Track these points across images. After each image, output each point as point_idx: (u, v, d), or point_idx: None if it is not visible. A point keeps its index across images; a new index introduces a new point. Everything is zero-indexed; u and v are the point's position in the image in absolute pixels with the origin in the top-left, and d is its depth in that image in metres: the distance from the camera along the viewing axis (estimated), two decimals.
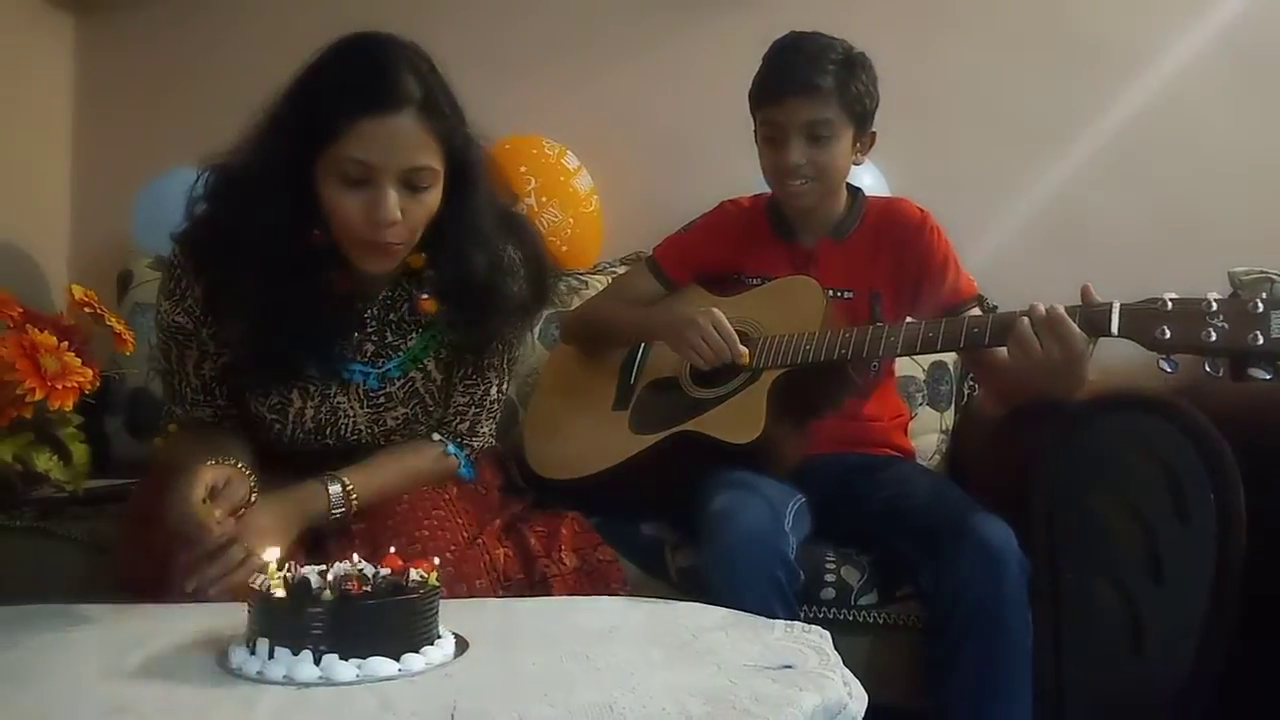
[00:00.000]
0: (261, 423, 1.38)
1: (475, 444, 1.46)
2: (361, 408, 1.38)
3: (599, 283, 2.02)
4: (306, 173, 1.21)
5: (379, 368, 1.37)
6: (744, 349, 1.52)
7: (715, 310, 1.55)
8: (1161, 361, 1.25)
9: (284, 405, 1.36)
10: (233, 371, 1.35)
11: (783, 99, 1.58)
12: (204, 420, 1.37)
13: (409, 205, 1.22)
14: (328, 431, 1.38)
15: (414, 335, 1.39)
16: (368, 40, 1.23)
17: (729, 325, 1.53)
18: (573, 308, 1.94)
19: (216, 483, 1.18)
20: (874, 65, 1.63)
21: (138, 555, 1.27)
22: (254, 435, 1.39)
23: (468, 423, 1.45)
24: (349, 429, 1.39)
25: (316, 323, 1.29)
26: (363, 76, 1.19)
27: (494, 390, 1.46)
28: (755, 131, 1.66)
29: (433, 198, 1.24)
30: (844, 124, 1.58)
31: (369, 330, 1.37)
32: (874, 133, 1.65)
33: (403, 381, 1.39)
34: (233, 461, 1.23)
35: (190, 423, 1.37)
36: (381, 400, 1.39)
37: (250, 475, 1.24)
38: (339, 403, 1.37)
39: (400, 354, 1.38)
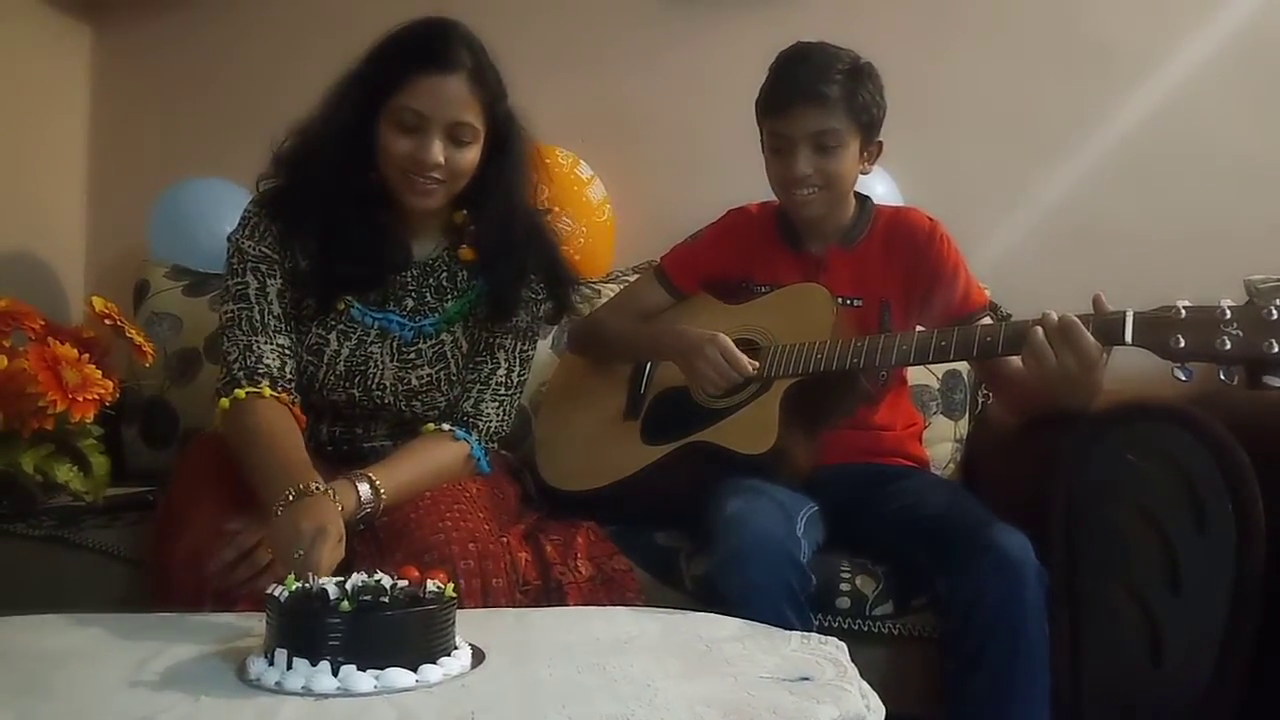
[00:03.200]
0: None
1: (480, 425, 1.50)
2: (391, 361, 1.49)
3: (611, 291, 2.02)
4: (370, 124, 1.40)
5: (415, 322, 1.50)
6: (752, 365, 1.52)
7: (721, 336, 1.54)
8: (1176, 370, 1.25)
9: (321, 346, 1.47)
10: (296, 295, 1.46)
11: (789, 109, 1.58)
12: (272, 371, 1.40)
13: (450, 154, 1.40)
14: (356, 380, 1.48)
15: (451, 299, 1.52)
16: (432, 18, 1.43)
17: (735, 350, 1.52)
18: (582, 316, 1.94)
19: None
20: (885, 72, 1.63)
21: (178, 547, 1.28)
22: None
23: (472, 400, 1.51)
24: (375, 380, 1.49)
25: (372, 245, 1.46)
26: (424, 41, 1.40)
27: (501, 372, 1.53)
28: (762, 142, 1.66)
29: (472, 153, 1.43)
30: (851, 133, 1.58)
31: (410, 287, 1.50)
32: (880, 142, 1.65)
33: (433, 342, 1.51)
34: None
35: (259, 375, 1.39)
36: (411, 356, 1.50)
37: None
38: (371, 352, 1.48)
39: (436, 314, 1.51)
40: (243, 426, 1.35)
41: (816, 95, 1.55)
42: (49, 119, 2.48)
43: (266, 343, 1.41)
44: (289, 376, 1.42)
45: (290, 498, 1.20)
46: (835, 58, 1.59)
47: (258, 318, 1.42)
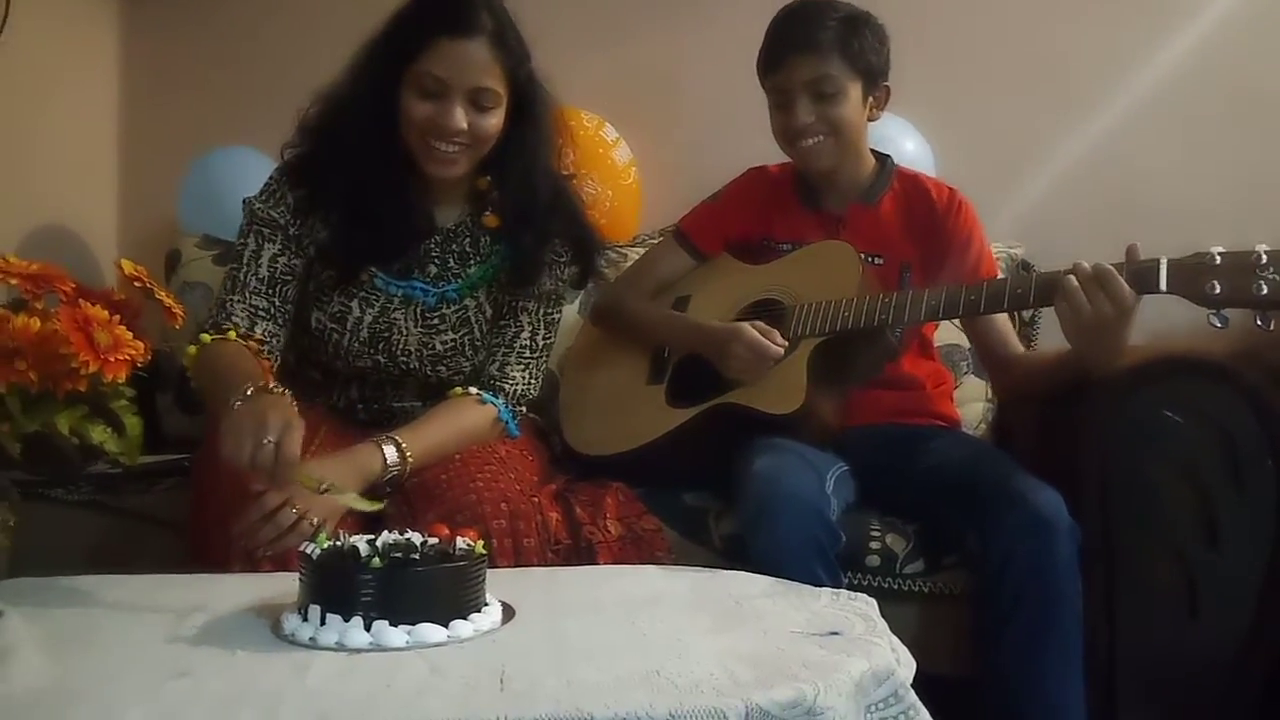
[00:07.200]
0: (320, 335, 1.48)
1: (507, 388, 1.49)
2: (415, 327, 1.49)
3: (638, 255, 2.01)
4: (393, 91, 1.39)
5: (439, 288, 1.49)
6: (781, 345, 1.49)
7: (742, 329, 1.50)
8: (1211, 317, 1.23)
9: (344, 314, 1.47)
10: (316, 265, 1.46)
11: (784, 61, 1.58)
12: (240, 327, 1.39)
13: (473, 120, 1.38)
14: (380, 346, 1.49)
15: (474, 264, 1.51)
16: None
17: (759, 338, 1.48)
18: (609, 282, 1.93)
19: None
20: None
21: (207, 509, 1.30)
22: (308, 357, 1.52)
23: (497, 363, 1.51)
24: (400, 346, 1.49)
25: (396, 213, 1.44)
26: (444, 5, 1.38)
27: (525, 335, 1.52)
28: (769, 103, 1.65)
29: (495, 119, 1.41)
30: (849, 78, 1.57)
31: (433, 254, 1.50)
32: (887, 87, 1.63)
33: (457, 307, 1.50)
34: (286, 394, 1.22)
35: (225, 327, 1.39)
36: (435, 321, 1.50)
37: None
38: (395, 318, 1.48)
39: (460, 280, 1.50)
40: (206, 367, 1.34)
41: (808, 43, 1.56)
42: (80, 92, 2.49)
43: (240, 301, 1.41)
44: (259, 336, 1.40)
45: (250, 392, 1.19)
46: (829, 7, 1.59)
47: (241, 277, 1.42)
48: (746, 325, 1.51)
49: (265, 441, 1.10)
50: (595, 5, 2.41)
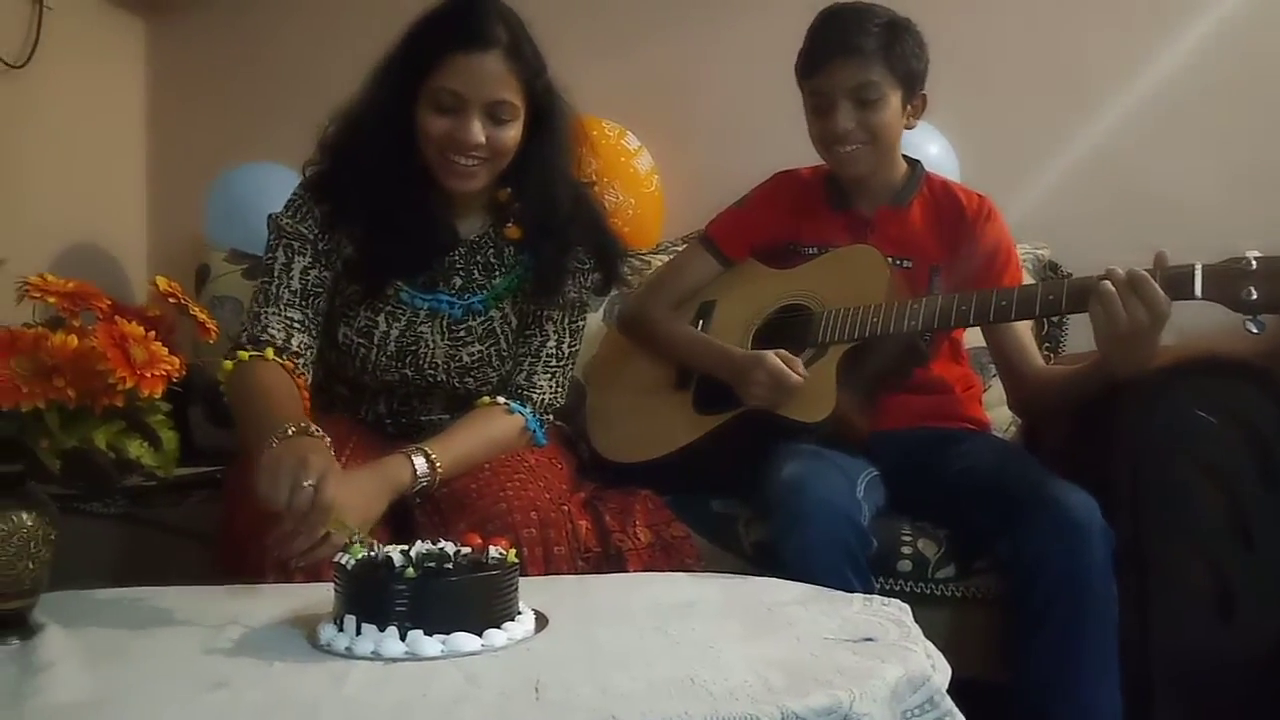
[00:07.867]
0: (348, 350, 1.49)
1: (535, 397, 1.50)
2: (441, 339, 1.50)
3: (661, 263, 2.01)
4: (410, 106, 1.39)
5: (464, 300, 1.49)
6: (801, 375, 1.48)
7: (767, 357, 1.49)
8: (1248, 322, 1.22)
9: (371, 328, 1.48)
10: (342, 280, 1.47)
11: (827, 65, 1.57)
12: (276, 340, 1.38)
13: (491, 133, 1.38)
14: (407, 360, 1.49)
15: (498, 275, 1.51)
16: None
17: (782, 367, 1.48)
18: (633, 289, 1.94)
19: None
20: (936, 30, 1.61)
21: (240, 520, 1.30)
22: (335, 372, 1.52)
23: (524, 373, 1.51)
24: (427, 360, 1.49)
25: (418, 228, 1.45)
26: (458, 19, 1.38)
27: (551, 345, 1.52)
28: (805, 104, 1.64)
29: (513, 131, 1.40)
30: (891, 85, 1.56)
31: (458, 266, 1.50)
32: (924, 95, 1.62)
33: (483, 318, 1.51)
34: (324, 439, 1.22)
35: (263, 340, 1.38)
36: (461, 333, 1.50)
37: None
38: (421, 332, 1.49)
39: (485, 291, 1.51)
40: (242, 386, 1.34)
41: (852, 48, 1.54)
42: (108, 111, 2.53)
43: (275, 314, 1.41)
44: (295, 349, 1.40)
45: (291, 432, 1.19)
46: (871, 13, 1.58)
47: (273, 290, 1.42)
48: (769, 354, 1.50)
49: (305, 485, 1.10)
50: (616, 14, 2.42)
